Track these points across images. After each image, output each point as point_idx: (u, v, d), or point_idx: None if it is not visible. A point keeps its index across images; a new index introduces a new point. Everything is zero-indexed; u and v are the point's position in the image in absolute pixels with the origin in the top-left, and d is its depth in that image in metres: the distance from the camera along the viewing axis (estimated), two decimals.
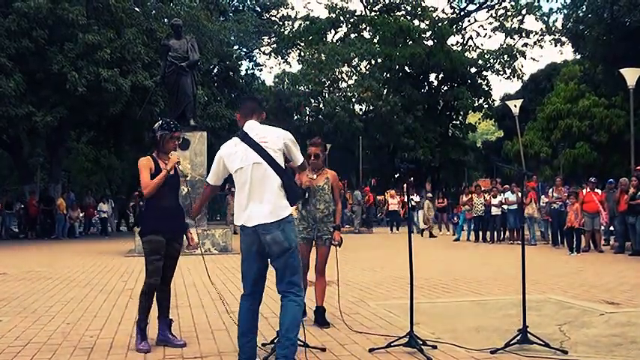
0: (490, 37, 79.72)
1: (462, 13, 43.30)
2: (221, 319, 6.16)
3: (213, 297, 7.39)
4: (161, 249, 4.99)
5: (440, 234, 22.88)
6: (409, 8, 39.59)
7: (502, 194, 18.15)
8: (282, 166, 4.15)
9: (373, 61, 37.81)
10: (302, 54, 39.17)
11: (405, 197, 5.47)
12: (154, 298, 5.13)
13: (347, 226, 25.71)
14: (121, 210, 28.57)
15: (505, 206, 17.76)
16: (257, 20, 36.49)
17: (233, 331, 5.54)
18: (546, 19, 39.28)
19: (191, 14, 24.39)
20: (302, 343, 4.80)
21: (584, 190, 15.23)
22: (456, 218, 22.59)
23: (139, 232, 5.21)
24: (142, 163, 5.04)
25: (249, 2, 40.70)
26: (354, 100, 36.38)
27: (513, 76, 39.73)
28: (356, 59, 37.35)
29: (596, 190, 15.12)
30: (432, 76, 39.77)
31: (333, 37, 40.94)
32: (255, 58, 43.03)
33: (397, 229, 24.88)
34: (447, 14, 42.37)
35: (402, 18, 38.38)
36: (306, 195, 5.66)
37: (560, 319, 6.08)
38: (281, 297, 4.15)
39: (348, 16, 40.07)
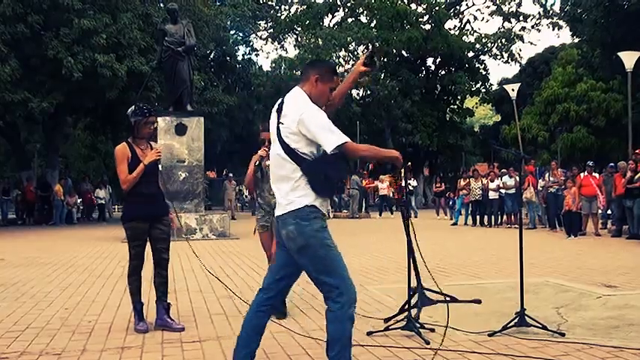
0: (487, 21, 79.82)
1: None
2: (219, 304, 6.17)
3: (211, 281, 7.39)
4: (142, 235, 5.05)
5: (437, 218, 22.95)
6: None
7: (500, 178, 18.18)
8: (301, 152, 3.33)
9: (370, 46, 37.60)
10: (299, 39, 38.91)
11: (403, 181, 5.45)
12: (153, 283, 5.20)
13: (345, 211, 25.75)
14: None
15: (503, 190, 17.80)
16: (253, 5, 36.21)
17: (231, 316, 5.57)
18: (544, 2, 39.15)
19: None
20: None
21: (581, 174, 15.25)
22: (451, 202, 22.63)
23: (121, 218, 5.27)
24: (118, 154, 5.01)
25: None
26: None
27: (511, 60, 39.55)
28: (353, 44, 37.15)
29: (593, 173, 15.15)
30: (430, 61, 39.57)
31: (330, 21, 40.65)
32: (251, 43, 42.80)
33: (391, 214, 24.90)
34: None
35: (399, 2, 38.07)
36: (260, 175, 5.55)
37: (558, 302, 6.10)
38: None
39: (344, 0, 39.79)
